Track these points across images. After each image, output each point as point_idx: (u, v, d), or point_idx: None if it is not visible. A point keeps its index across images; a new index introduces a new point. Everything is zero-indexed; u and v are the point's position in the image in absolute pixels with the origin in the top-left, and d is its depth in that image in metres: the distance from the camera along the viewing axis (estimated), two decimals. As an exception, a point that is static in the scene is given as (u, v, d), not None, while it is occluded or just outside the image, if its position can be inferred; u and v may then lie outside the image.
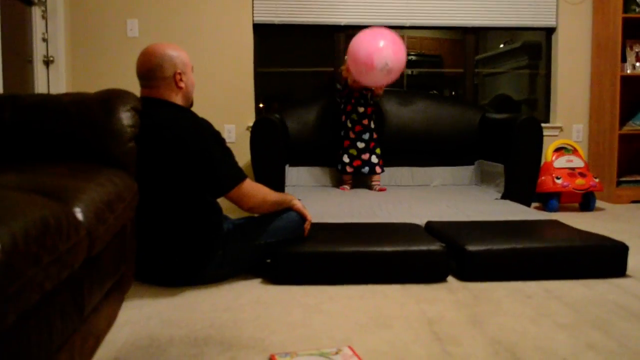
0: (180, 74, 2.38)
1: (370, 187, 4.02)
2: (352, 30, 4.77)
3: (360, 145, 3.96)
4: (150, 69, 2.35)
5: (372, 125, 4.01)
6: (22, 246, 1.00)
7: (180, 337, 1.81)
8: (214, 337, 1.81)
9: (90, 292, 1.51)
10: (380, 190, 3.94)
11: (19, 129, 1.94)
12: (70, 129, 1.95)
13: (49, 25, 4.16)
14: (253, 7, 4.55)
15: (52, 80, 4.19)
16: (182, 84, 2.39)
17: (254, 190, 2.38)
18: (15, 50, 3.80)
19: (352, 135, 3.97)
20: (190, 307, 2.09)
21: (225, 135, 4.49)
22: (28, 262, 1.02)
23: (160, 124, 2.25)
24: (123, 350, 1.72)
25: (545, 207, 4.14)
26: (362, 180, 4.07)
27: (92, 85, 4.36)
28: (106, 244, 1.61)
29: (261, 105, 4.84)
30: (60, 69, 4.22)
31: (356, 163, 3.95)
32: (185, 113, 2.36)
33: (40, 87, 4.07)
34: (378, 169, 3.99)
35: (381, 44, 3.55)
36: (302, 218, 2.53)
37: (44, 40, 4.13)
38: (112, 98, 2.02)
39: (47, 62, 4.15)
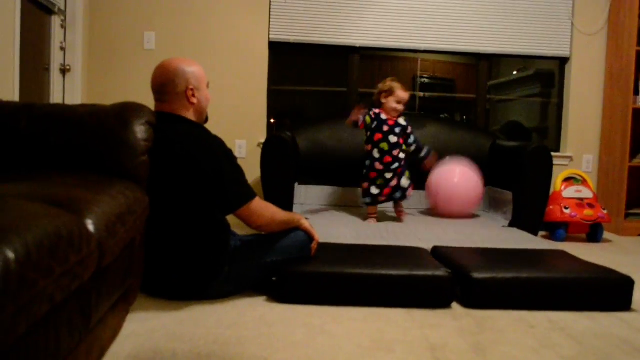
0: (192, 89, 2.38)
1: (395, 212, 3.80)
2: (367, 51, 4.84)
3: (388, 175, 3.59)
4: (163, 83, 2.37)
5: (402, 156, 3.62)
6: (35, 257, 1.02)
7: (183, 352, 1.81)
8: (217, 353, 1.82)
9: (98, 304, 1.53)
10: (403, 215, 3.74)
11: (34, 139, 1.97)
12: (84, 140, 1.98)
13: (67, 35, 4.22)
14: (269, 25, 4.59)
15: (68, 89, 4.24)
16: (194, 100, 2.39)
17: (263, 209, 2.39)
18: (33, 58, 3.85)
19: (379, 166, 3.58)
20: (195, 322, 2.10)
21: (236, 150, 4.52)
22: (40, 273, 1.04)
23: (171, 139, 2.27)
24: (126, 362, 1.73)
25: (552, 237, 4.13)
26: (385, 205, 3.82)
27: (107, 96, 4.41)
28: (116, 256, 1.63)
29: (272, 120, 4.87)
30: (76, 78, 4.27)
31: (387, 191, 3.60)
32: (197, 129, 2.37)
33: (55, 95, 4.11)
34: (410, 192, 3.65)
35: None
36: (310, 237, 2.54)
37: (62, 49, 4.19)
38: (127, 111, 2.05)
39: (64, 71, 4.20)
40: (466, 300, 2.42)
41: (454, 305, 2.42)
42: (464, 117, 5.48)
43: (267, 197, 3.56)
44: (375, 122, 3.59)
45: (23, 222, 1.08)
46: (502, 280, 2.40)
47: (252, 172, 4.16)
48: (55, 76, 4.14)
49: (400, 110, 3.61)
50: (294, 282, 2.38)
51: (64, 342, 1.26)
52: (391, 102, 3.58)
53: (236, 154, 4.03)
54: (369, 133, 3.63)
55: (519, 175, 3.69)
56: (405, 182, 3.62)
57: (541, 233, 4.20)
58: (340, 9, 4.67)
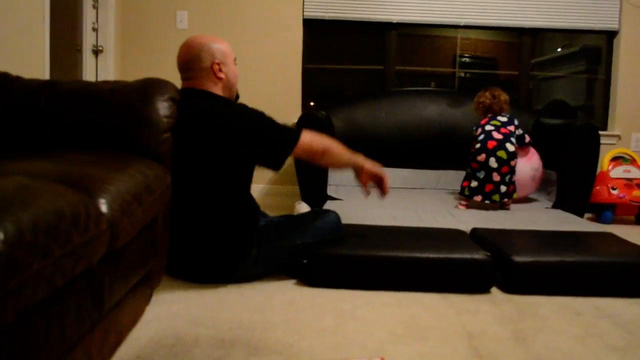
0: (219, 64, 2.31)
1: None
2: (404, 28, 4.68)
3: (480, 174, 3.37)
4: (189, 60, 2.31)
5: (513, 164, 3.35)
6: (29, 237, 0.94)
7: (206, 338, 1.74)
8: (241, 339, 1.74)
9: (112, 287, 1.45)
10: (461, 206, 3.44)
11: (54, 116, 1.90)
12: (105, 117, 1.91)
13: (99, 15, 4.18)
14: (304, 1, 4.47)
15: (101, 70, 4.21)
16: (221, 75, 2.32)
17: (316, 139, 2.26)
18: (65, 39, 3.81)
19: (496, 177, 3.33)
20: (220, 306, 2.02)
21: (269, 131, 4.43)
22: (35, 254, 0.96)
23: (198, 113, 2.19)
24: (147, 348, 1.66)
25: (599, 219, 3.94)
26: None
27: (140, 76, 4.24)
28: (132, 237, 1.55)
29: (312, 103, 4.76)
30: (109, 59, 4.23)
31: (488, 187, 3.34)
32: (222, 101, 2.29)
33: (88, 77, 4.08)
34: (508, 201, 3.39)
35: None
36: (339, 220, 2.44)
37: (94, 30, 4.15)
38: (149, 87, 1.97)
39: (96, 52, 4.17)
40: (506, 286, 2.29)
41: (494, 290, 2.29)
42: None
43: (300, 178, 3.47)
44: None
45: (19, 200, 1.00)
46: (545, 264, 2.26)
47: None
48: (87, 57, 4.10)
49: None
50: (325, 265, 2.29)
51: (70, 327, 1.18)
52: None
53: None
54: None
55: (563, 155, 3.51)
56: (504, 188, 3.34)
57: (587, 215, 4.02)
58: (376, -17, 4.52)
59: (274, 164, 2.25)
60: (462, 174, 4.08)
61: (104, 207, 1.35)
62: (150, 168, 1.75)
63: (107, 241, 1.31)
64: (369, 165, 2.38)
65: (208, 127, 2.17)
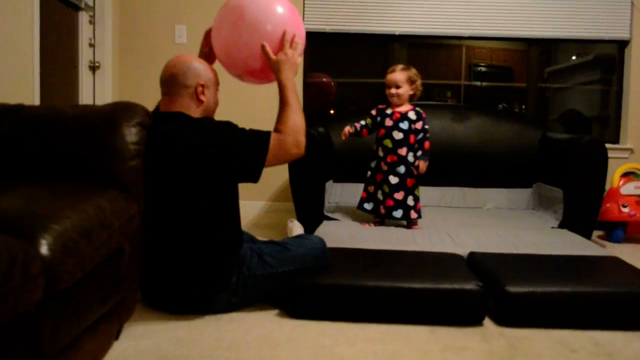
0: (203, 86, 2.22)
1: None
2: (407, 39, 4.57)
3: (394, 180, 3.14)
4: (174, 74, 2.21)
5: (411, 159, 3.15)
6: None
7: (169, 380, 1.64)
8: (206, 381, 1.63)
9: (57, 331, 1.35)
10: (414, 229, 3.15)
11: (15, 144, 1.82)
12: (69, 144, 1.83)
13: (96, 31, 4.12)
14: (304, 14, 4.38)
15: (98, 86, 4.15)
16: (203, 97, 2.22)
17: (283, 136, 2.20)
18: (61, 55, 3.76)
19: (384, 167, 3.16)
20: (192, 341, 1.91)
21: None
22: None
23: (167, 136, 2.10)
24: (103, 392, 1.56)
25: (609, 237, 3.77)
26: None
27: (139, 92, 4.30)
28: (84, 275, 1.45)
29: (332, 112, 4.69)
30: (106, 75, 4.17)
31: (388, 203, 3.13)
32: (190, 122, 2.18)
33: (85, 93, 4.03)
34: (413, 214, 3.15)
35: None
36: (325, 247, 2.34)
37: (91, 45, 4.09)
38: (116, 112, 1.88)
39: (93, 68, 4.11)
40: (500, 318, 2.16)
41: (486, 322, 2.15)
42: (523, 107, 5.13)
43: (296, 197, 3.37)
44: (379, 118, 3.22)
45: None
46: (541, 295, 2.12)
47: (284, 169, 3.96)
48: (84, 73, 4.06)
49: (394, 95, 3.15)
50: (307, 296, 2.17)
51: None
52: (387, 92, 3.20)
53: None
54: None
55: (570, 171, 3.36)
56: (411, 201, 3.14)
57: (597, 233, 3.87)
58: (378, -5, 4.41)
59: (250, 176, 2.17)
60: (466, 190, 3.97)
61: (44, 250, 1.27)
62: (110, 200, 1.65)
63: (41, 285, 1.22)
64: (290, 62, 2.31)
65: (174, 148, 2.08)
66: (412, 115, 3.17)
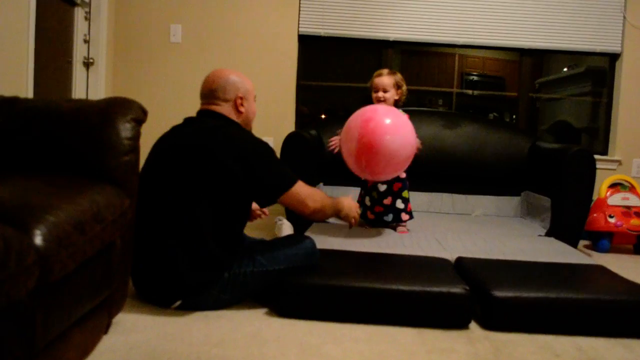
0: (242, 98, 2.37)
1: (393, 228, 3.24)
2: (401, 45, 4.60)
3: (382, 187, 3.16)
4: (214, 88, 2.36)
5: None
6: None
7: (157, 374, 1.65)
8: (194, 376, 1.64)
9: (48, 322, 1.36)
10: (402, 232, 3.17)
11: (11, 135, 1.83)
12: (64, 138, 1.83)
13: (91, 27, 4.13)
14: (299, 18, 4.41)
15: (92, 82, 4.15)
16: (242, 109, 2.39)
17: (309, 193, 2.37)
18: (55, 51, 3.76)
19: None
20: (180, 337, 1.93)
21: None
22: None
23: (192, 131, 2.28)
24: (92, 384, 1.58)
25: (595, 247, 3.82)
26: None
27: (132, 89, 4.31)
28: (76, 267, 1.47)
29: (323, 116, 4.77)
30: (100, 72, 4.18)
31: (378, 209, 3.20)
32: (234, 124, 2.34)
33: (78, 89, 4.03)
34: (405, 216, 3.18)
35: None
36: (315, 247, 2.37)
37: (86, 41, 4.10)
38: (111, 107, 1.89)
39: (87, 64, 4.11)
40: (486, 321, 2.18)
41: (472, 325, 2.18)
42: (514, 117, 5.18)
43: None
44: None
45: None
46: (526, 300, 2.15)
47: (276, 171, 3.98)
48: (78, 70, 4.06)
49: (382, 99, 3.13)
50: (295, 295, 2.19)
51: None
52: (374, 95, 3.19)
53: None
54: None
55: (558, 181, 3.41)
56: (400, 203, 3.15)
57: (584, 242, 3.91)
58: (373, 0, 4.44)
59: (260, 203, 2.43)
60: (455, 197, 4.00)
61: (38, 240, 1.28)
62: (103, 194, 1.67)
63: (35, 275, 1.23)
64: (345, 214, 2.63)
65: (194, 144, 2.21)
66: None
